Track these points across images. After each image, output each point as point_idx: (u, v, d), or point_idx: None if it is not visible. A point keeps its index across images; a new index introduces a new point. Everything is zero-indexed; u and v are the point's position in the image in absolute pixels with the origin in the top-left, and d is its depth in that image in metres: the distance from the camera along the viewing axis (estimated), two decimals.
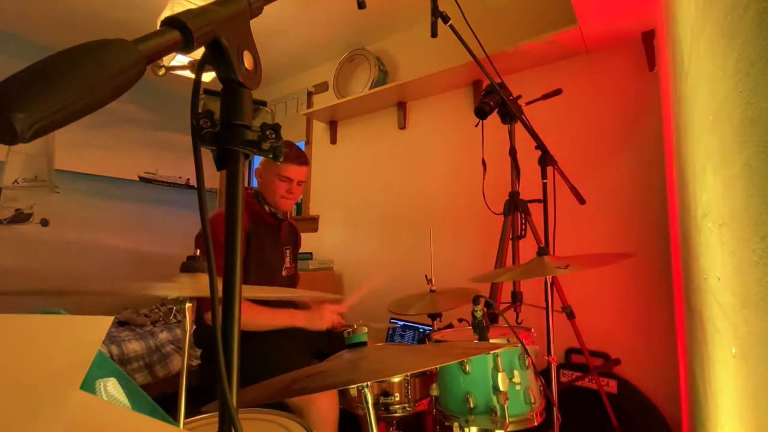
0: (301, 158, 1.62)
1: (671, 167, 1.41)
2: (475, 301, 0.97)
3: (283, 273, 1.69)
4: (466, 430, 0.98)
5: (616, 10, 1.63)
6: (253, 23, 0.43)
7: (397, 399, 1.12)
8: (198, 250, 0.93)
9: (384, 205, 2.68)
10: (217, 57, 0.39)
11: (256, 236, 1.56)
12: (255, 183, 1.69)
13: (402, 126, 2.64)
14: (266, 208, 1.61)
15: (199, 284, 0.81)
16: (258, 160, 1.91)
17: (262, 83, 0.43)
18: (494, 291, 1.51)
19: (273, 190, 1.59)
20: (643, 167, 1.77)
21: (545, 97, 1.60)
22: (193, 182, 3.49)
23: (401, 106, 2.63)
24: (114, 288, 0.89)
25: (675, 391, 1.57)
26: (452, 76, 2.28)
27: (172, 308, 0.88)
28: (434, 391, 1.07)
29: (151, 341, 2.42)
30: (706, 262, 0.73)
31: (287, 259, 1.72)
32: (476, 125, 1.52)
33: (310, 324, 1.51)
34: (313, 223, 3.03)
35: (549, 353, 1.15)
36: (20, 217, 2.74)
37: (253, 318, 1.44)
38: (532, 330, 1.15)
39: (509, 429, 0.94)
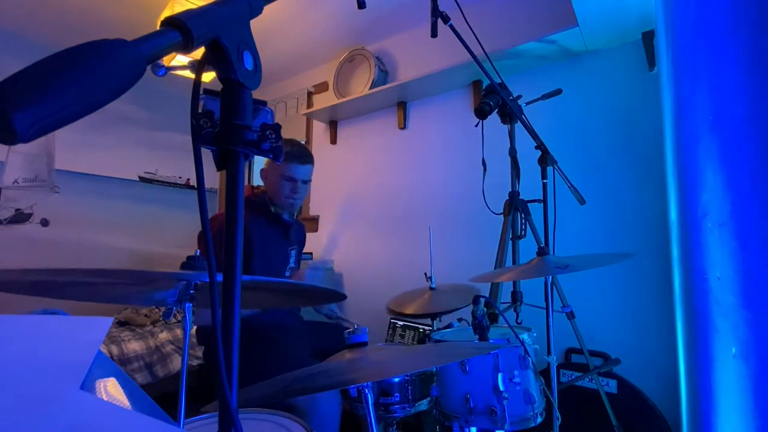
0: (305, 157, 1.57)
1: (671, 167, 1.41)
2: (476, 300, 0.97)
3: (288, 273, 1.68)
4: (466, 430, 0.98)
5: (616, 10, 1.63)
6: (253, 23, 0.43)
7: (397, 399, 1.12)
8: (198, 250, 0.93)
9: (384, 205, 2.67)
10: (217, 57, 0.39)
11: (260, 236, 1.54)
12: (255, 183, 1.68)
13: (402, 126, 2.64)
14: (272, 209, 1.59)
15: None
16: (263, 160, 1.89)
17: (262, 83, 0.43)
18: (494, 291, 1.51)
19: (278, 191, 1.56)
20: (642, 167, 1.77)
21: (545, 97, 1.60)
22: (193, 182, 3.49)
23: (401, 106, 2.63)
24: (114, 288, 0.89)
25: (675, 391, 1.57)
26: (452, 76, 2.28)
27: (172, 308, 0.88)
28: (434, 391, 1.07)
29: (151, 341, 2.42)
30: (705, 262, 0.73)
31: (292, 260, 1.72)
32: (476, 125, 1.52)
33: None
34: (313, 223, 3.03)
35: (549, 353, 1.15)
36: (20, 217, 2.74)
37: None
38: (532, 330, 1.15)
39: (509, 429, 0.94)
